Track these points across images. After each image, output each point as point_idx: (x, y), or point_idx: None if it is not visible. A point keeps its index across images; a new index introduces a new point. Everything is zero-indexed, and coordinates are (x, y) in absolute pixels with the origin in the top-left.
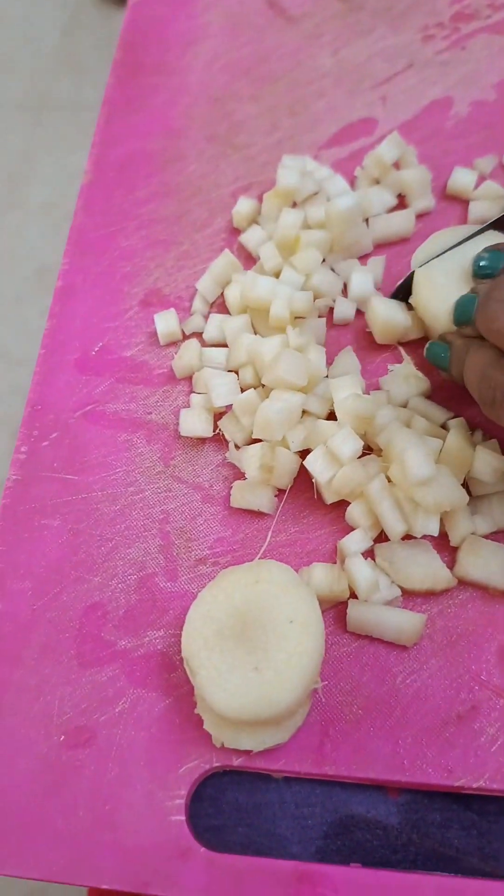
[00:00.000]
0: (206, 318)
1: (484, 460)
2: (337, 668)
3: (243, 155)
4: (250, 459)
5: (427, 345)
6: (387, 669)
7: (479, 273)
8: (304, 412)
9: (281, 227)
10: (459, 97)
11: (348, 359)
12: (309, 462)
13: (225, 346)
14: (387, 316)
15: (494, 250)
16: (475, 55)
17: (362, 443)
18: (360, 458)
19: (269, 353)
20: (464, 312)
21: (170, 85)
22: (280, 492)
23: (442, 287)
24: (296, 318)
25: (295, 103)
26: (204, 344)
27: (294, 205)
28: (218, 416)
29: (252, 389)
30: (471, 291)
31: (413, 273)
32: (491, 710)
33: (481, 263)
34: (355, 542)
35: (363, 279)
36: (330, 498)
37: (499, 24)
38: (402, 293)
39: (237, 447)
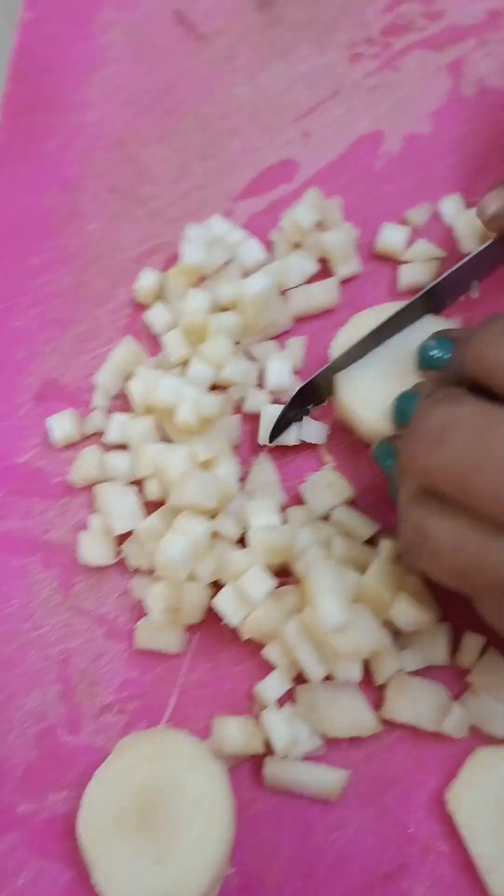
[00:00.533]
0: (108, 412)
1: (402, 610)
2: (253, 829)
3: (149, 210)
4: (154, 600)
5: (374, 446)
6: (308, 826)
7: (428, 364)
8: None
9: (187, 312)
10: (391, 130)
11: (264, 469)
12: (218, 603)
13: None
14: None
15: (443, 338)
16: (408, 77)
17: (275, 582)
18: (277, 586)
19: (175, 469)
20: (404, 414)
21: (66, 124)
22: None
23: (367, 381)
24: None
25: (207, 144)
26: (106, 447)
27: (203, 279)
28: (123, 536)
29: (155, 514)
30: (413, 388)
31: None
32: (420, 867)
33: (431, 353)
34: (272, 688)
35: (279, 368)
36: (245, 635)
37: (435, 37)
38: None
39: (143, 574)
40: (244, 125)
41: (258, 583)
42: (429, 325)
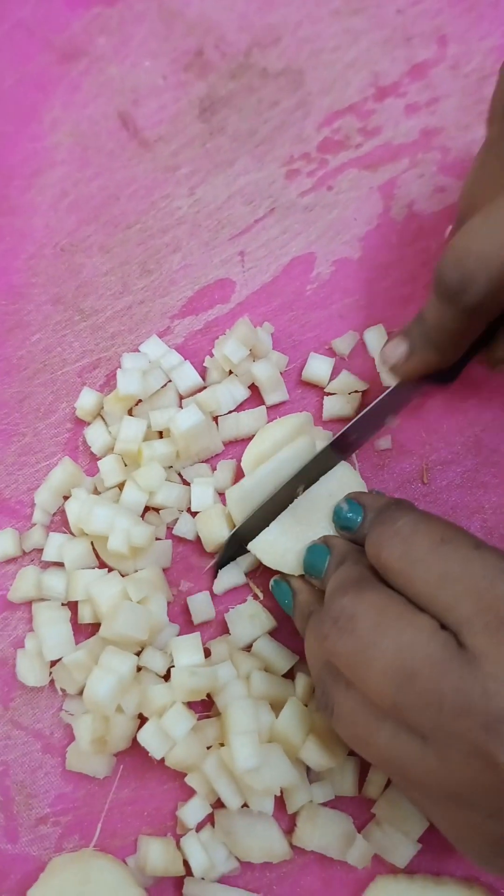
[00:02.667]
0: (47, 529)
1: (311, 752)
2: None
3: (91, 323)
4: (81, 732)
5: (271, 582)
6: None
7: (341, 525)
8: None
9: (122, 440)
10: (322, 254)
11: (195, 601)
12: (141, 738)
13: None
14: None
15: (355, 502)
16: (342, 197)
17: (195, 719)
18: (199, 719)
19: (107, 600)
20: (313, 566)
21: (13, 228)
22: None
23: (278, 530)
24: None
25: (148, 258)
26: (44, 564)
27: (139, 402)
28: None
29: (84, 646)
30: (321, 541)
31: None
32: None
33: (344, 515)
34: (193, 813)
35: (202, 492)
36: (168, 765)
37: (369, 155)
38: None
39: (73, 696)
40: (184, 240)
41: (179, 721)
42: (341, 474)
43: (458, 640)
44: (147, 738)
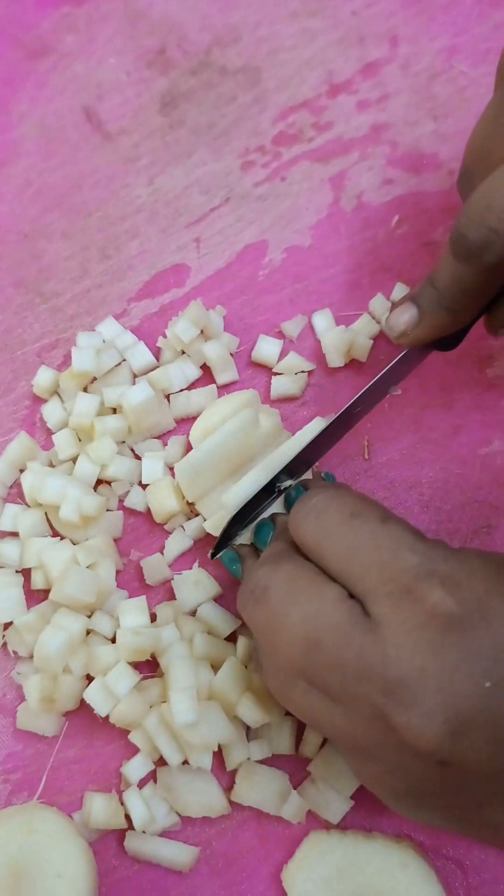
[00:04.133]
0: (3, 501)
1: (247, 709)
2: (115, 893)
3: (51, 306)
4: (31, 691)
5: (222, 553)
6: (163, 893)
7: (289, 506)
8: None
9: (76, 414)
10: (275, 241)
11: (149, 563)
12: (88, 695)
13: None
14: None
15: (300, 486)
16: (294, 188)
17: (139, 677)
18: (143, 679)
19: (58, 565)
20: (260, 541)
21: None
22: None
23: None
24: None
25: (107, 244)
26: (0, 534)
27: (94, 379)
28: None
29: (35, 609)
30: (269, 518)
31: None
32: None
33: (291, 497)
34: (136, 769)
35: (153, 466)
36: (112, 722)
37: (321, 148)
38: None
39: (24, 659)
40: (142, 227)
41: (122, 678)
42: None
43: (364, 609)
44: (92, 695)
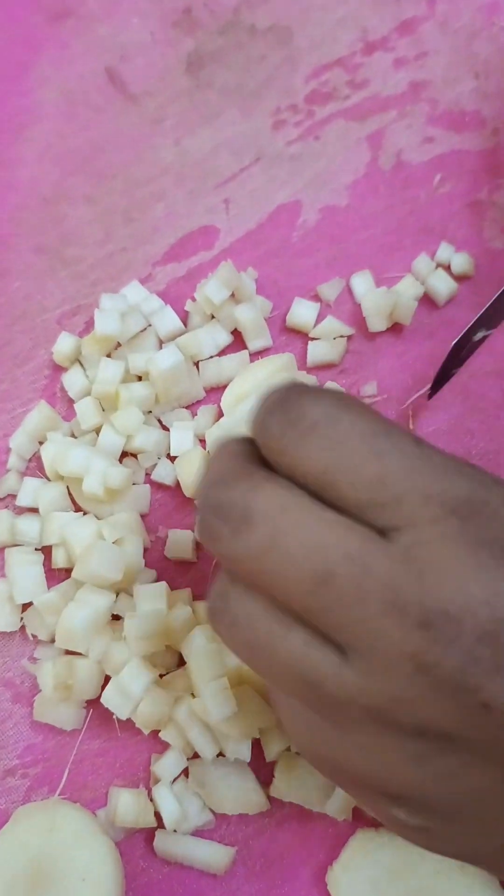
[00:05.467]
0: (22, 475)
1: None
2: None
3: (72, 271)
4: (45, 678)
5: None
6: None
7: None
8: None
9: (99, 381)
10: (309, 201)
11: (174, 535)
12: (105, 699)
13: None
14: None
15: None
16: (329, 147)
17: (155, 674)
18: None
19: (81, 541)
20: None
21: (0, 181)
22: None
23: None
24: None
25: (131, 207)
26: (18, 510)
27: (118, 346)
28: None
29: (56, 589)
30: None
31: None
32: None
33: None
34: (168, 768)
35: (181, 437)
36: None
37: (357, 106)
38: None
39: (45, 643)
40: (168, 189)
41: (137, 677)
42: None
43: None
44: (109, 698)
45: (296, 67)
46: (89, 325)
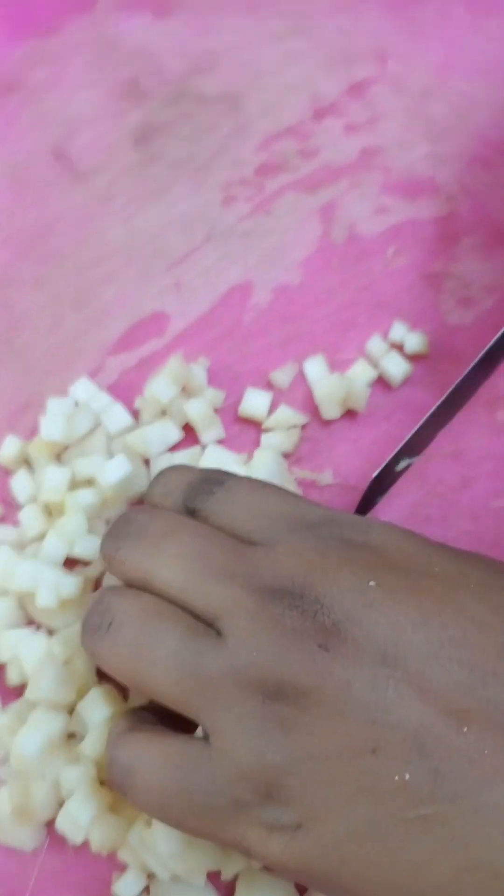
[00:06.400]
0: None
1: None
2: None
3: (24, 362)
4: (2, 801)
5: None
6: None
7: None
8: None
9: (45, 490)
10: (261, 281)
11: None
12: (59, 825)
13: None
14: None
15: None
16: (280, 222)
17: (105, 799)
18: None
19: (33, 660)
20: None
21: None
22: None
23: None
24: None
25: (82, 292)
26: None
27: (66, 447)
28: None
29: (10, 708)
30: None
31: None
32: None
33: None
34: (128, 887)
35: None
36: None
37: (308, 177)
38: None
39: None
40: (118, 272)
41: (85, 805)
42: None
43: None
44: (62, 823)
45: (246, 137)
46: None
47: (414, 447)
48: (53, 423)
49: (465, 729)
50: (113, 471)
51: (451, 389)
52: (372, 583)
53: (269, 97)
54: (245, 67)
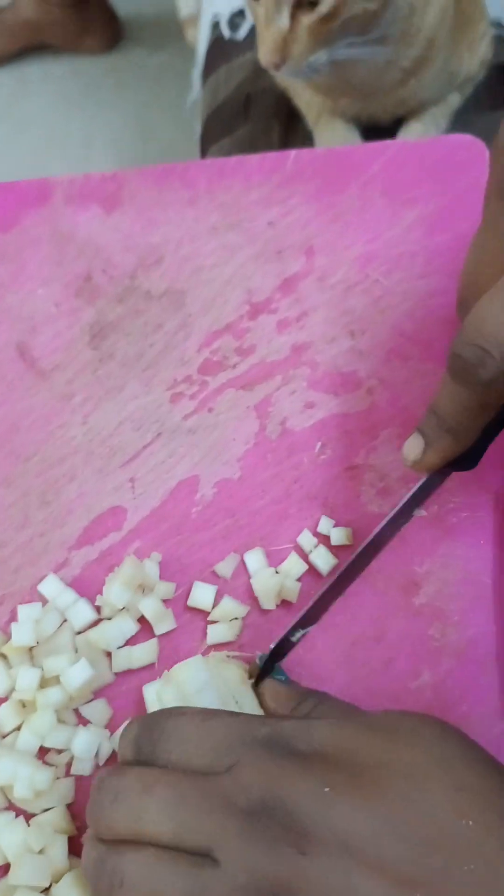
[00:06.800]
0: None
1: None
2: None
3: None
4: None
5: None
6: None
7: None
8: None
9: (18, 689)
10: (206, 475)
11: None
12: None
13: None
14: None
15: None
16: (222, 418)
17: None
18: None
19: (12, 848)
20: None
21: None
22: None
23: None
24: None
25: (47, 488)
26: None
27: (37, 642)
28: None
29: None
30: None
31: None
32: None
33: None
34: None
35: (90, 738)
36: None
37: (245, 374)
38: None
39: None
40: (79, 469)
41: None
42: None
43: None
44: None
45: (189, 334)
46: (14, 615)
47: (307, 621)
48: (24, 629)
49: (417, 894)
50: (77, 675)
51: (339, 572)
52: (326, 789)
53: (209, 293)
54: (186, 262)
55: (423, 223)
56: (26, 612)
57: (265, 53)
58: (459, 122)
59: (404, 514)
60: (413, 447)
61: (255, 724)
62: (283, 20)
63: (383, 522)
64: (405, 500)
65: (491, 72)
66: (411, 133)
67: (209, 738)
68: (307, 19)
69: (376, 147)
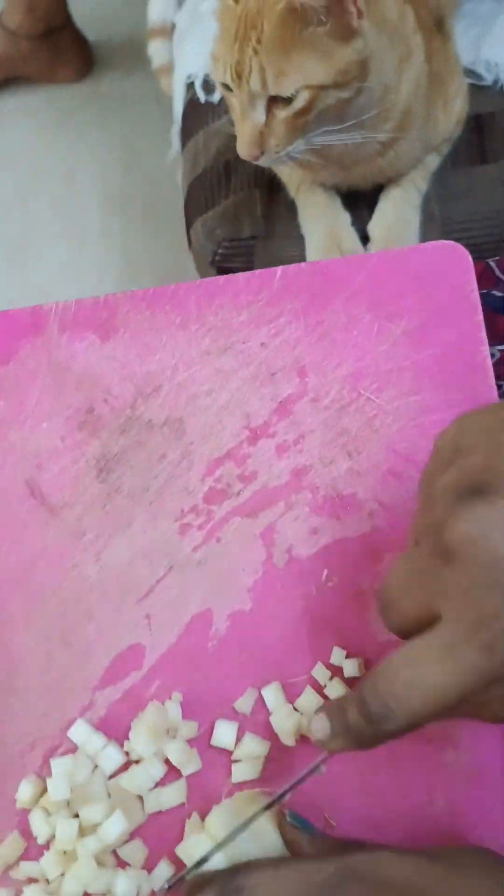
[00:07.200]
0: None
1: None
2: None
3: (23, 703)
4: None
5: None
6: None
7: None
8: None
9: (58, 840)
10: (218, 609)
11: None
12: None
13: None
14: None
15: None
16: (230, 548)
17: None
18: None
19: None
20: None
21: None
22: None
23: None
24: None
25: (67, 630)
26: None
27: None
28: None
29: None
30: None
31: None
32: None
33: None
34: None
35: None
36: None
37: (249, 502)
38: None
39: None
40: (96, 608)
41: None
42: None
43: None
44: None
45: (192, 464)
46: (47, 757)
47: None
48: (59, 783)
49: None
50: (113, 828)
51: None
52: None
53: (208, 420)
54: (183, 389)
55: (410, 337)
56: (60, 766)
57: (243, 147)
58: (439, 181)
59: (309, 775)
60: (319, 728)
61: (319, 867)
62: (259, 115)
63: (286, 786)
64: (310, 768)
65: (467, 124)
66: (391, 198)
67: (285, 886)
68: (282, 113)
69: (359, 260)
